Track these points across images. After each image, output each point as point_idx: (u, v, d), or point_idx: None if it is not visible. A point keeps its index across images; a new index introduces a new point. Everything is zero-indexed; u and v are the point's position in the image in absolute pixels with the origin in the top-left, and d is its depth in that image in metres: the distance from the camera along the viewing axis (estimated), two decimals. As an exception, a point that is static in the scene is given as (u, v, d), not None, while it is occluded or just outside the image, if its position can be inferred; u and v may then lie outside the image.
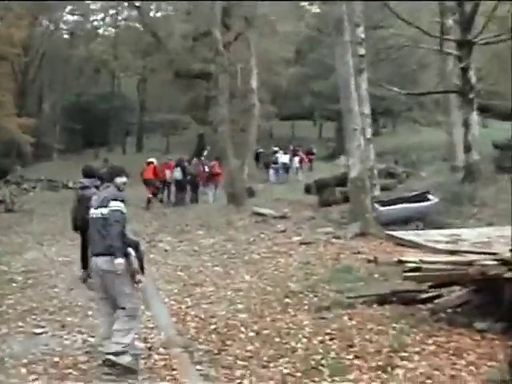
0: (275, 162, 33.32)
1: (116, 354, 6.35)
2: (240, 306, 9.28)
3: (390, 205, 16.80)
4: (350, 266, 11.31)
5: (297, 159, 34.86)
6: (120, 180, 6.95)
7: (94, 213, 6.80)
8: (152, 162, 24.25)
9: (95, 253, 6.67)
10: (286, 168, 33.63)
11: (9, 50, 33.85)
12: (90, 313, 9.08)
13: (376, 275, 10.50)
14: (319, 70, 48.18)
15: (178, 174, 24.24)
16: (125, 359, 6.36)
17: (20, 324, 8.51)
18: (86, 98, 58.02)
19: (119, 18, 55.71)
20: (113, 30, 58.33)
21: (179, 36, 39.07)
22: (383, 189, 20.64)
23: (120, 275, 6.47)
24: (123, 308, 6.52)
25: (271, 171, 33.21)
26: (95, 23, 59.68)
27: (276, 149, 34.62)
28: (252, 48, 23.68)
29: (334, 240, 14.02)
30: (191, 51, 37.15)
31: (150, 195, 23.50)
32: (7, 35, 32.22)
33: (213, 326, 8.24)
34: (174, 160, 25.89)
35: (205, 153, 26.64)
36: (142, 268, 6.91)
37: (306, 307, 8.99)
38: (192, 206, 23.68)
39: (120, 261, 6.43)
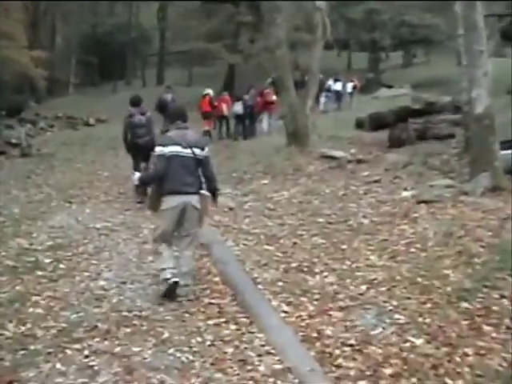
0: (328, 90, 31.22)
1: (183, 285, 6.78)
2: (400, 319, 5.82)
3: (508, 148, 13.03)
4: (517, 240, 7.66)
5: (350, 85, 33.24)
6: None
7: (180, 151, 6.67)
8: (208, 94, 22.82)
9: (184, 191, 6.66)
10: (339, 96, 32.08)
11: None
12: (164, 336, 5.68)
13: None
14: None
15: (239, 107, 22.74)
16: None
17: (58, 367, 5.01)
18: (101, 29, 54.16)
19: None
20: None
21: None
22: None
23: (200, 211, 6.83)
24: (191, 244, 6.94)
25: (322, 99, 30.72)
26: None
27: (321, 76, 31.79)
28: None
29: (462, 197, 10.24)
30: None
31: (208, 128, 22.47)
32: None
33: (386, 371, 4.79)
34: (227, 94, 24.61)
35: (268, 80, 23.99)
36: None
37: (507, 321, 5.57)
38: (247, 144, 20.19)
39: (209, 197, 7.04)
